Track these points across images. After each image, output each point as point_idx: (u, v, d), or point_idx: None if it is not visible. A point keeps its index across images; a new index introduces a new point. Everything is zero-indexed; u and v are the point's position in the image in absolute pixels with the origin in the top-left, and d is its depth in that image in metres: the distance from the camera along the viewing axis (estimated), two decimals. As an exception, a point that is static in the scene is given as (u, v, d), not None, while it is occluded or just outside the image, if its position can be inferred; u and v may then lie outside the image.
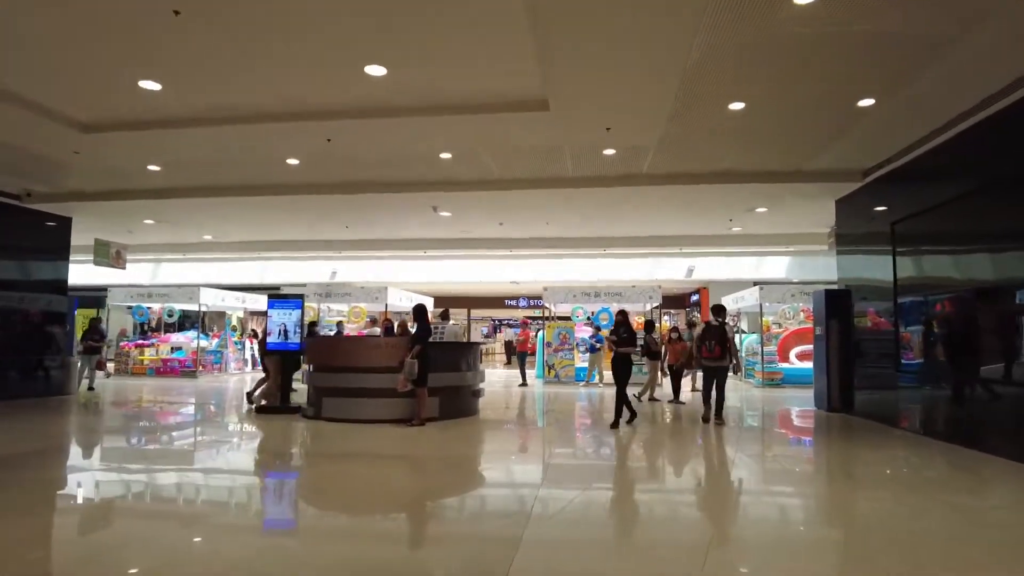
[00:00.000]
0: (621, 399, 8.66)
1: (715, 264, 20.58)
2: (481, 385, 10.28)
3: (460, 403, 9.40)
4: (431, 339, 9.10)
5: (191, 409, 11.13)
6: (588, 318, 18.34)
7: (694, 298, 25.86)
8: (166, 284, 19.92)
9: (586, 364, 17.43)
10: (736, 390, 15.01)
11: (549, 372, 16.48)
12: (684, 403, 11.47)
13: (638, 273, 20.28)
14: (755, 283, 18.40)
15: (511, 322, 31.66)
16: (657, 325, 14.76)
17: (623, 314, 9.32)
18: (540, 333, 17.85)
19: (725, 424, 8.79)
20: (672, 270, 20.69)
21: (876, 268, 9.48)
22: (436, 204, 11.65)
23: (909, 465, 6.58)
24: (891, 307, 8.95)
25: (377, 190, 10.62)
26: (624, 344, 8.86)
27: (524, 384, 15.61)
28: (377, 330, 13.64)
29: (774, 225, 13.89)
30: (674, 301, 27.24)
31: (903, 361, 8.71)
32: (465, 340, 11.86)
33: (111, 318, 19.30)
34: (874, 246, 9.52)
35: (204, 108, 7.42)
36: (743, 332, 19.88)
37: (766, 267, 20.98)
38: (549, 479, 5.81)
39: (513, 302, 30.14)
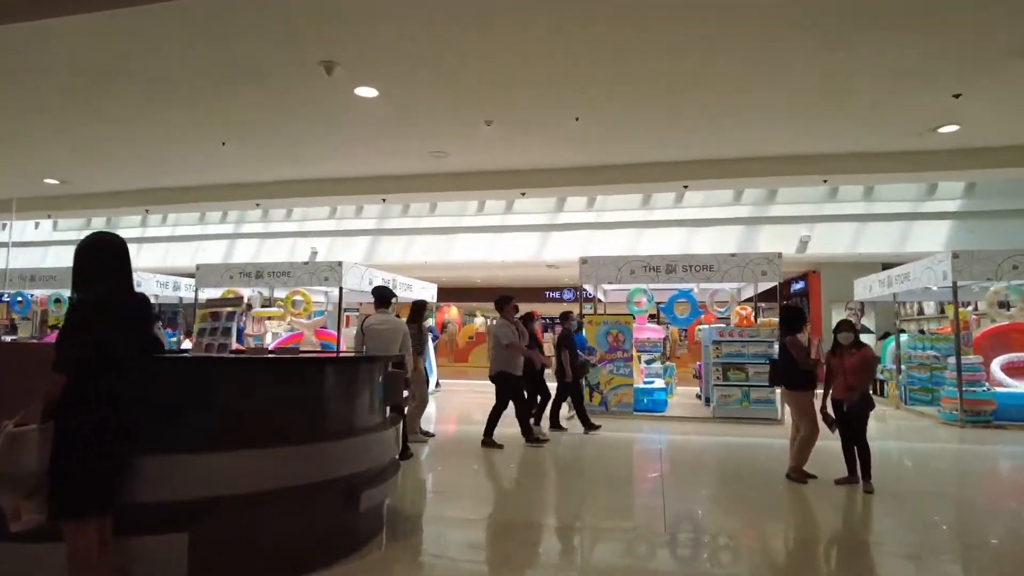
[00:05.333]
0: None
1: (835, 234, 13.96)
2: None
3: (299, 533, 3.13)
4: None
5: None
6: (656, 311, 11.76)
7: (796, 286, 18.63)
8: (54, 267, 14.75)
9: (655, 384, 10.97)
10: (897, 430, 8.03)
11: (593, 397, 9.95)
12: (872, 489, 4.81)
13: (722, 247, 13.59)
14: (884, 266, 11.80)
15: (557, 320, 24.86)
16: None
17: None
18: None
19: None
20: (775, 241, 13.93)
21: None
22: (330, 59, 5.45)
23: None
24: None
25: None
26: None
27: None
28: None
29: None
30: (767, 292, 19.99)
31: None
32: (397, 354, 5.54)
33: None
34: None
35: None
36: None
37: (914, 239, 14.02)
38: None
39: (556, 294, 23.49)
